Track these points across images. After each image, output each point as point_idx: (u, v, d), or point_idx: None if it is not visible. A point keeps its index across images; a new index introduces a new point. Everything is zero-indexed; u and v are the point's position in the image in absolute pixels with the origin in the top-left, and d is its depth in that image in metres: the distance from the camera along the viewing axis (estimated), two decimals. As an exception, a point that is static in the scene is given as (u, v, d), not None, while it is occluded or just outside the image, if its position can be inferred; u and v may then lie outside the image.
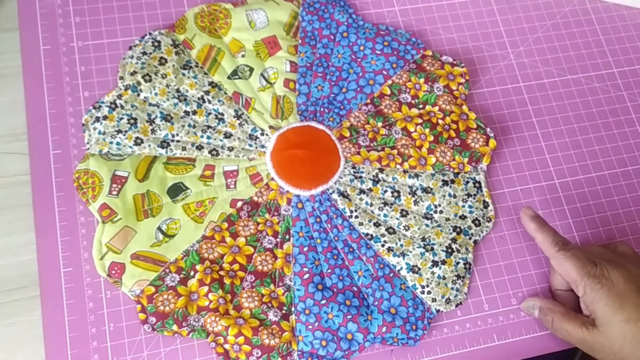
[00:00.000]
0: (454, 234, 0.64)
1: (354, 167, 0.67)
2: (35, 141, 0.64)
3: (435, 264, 0.63)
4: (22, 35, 0.67)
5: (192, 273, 0.60)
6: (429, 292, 0.62)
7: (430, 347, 0.62)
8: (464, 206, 0.66)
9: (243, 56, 0.69)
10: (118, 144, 0.63)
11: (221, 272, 0.61)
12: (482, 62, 0.74)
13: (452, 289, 0.63)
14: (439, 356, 0.62)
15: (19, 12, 0.68)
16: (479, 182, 0.67)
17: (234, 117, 0.66)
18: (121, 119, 0.64)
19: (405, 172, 0.67)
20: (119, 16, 0.70)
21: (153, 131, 0.64)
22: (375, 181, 0.66)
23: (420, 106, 0.70)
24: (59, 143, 0.64)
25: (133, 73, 0.65)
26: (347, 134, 0.68)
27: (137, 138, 0.63)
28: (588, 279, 0.57)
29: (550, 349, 0.64)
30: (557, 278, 0.63)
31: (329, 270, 0.62)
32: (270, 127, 0.67)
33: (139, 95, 0.65)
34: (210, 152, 0.65)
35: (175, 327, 0.58)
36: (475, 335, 0.63)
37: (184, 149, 0.64)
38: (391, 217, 0.65)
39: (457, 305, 0.63)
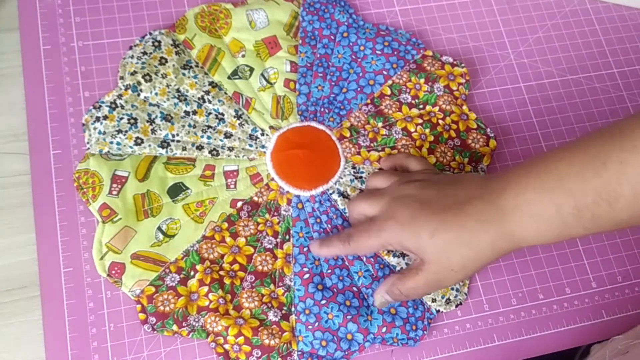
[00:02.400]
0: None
1: (354, 168, 0.66)
2: (36, 141, 0.64)
3: (435, 264, 0.63)
4: (23, 35, 0.67)
5: (192, 273, 0.60)
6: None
7: (430, 348, 0.62)
8: (464, 206, 0.66)
9: (243, 56, 0.69)
10: (118, 143, 0.63)
11: (221, 272, 0.61)
12: (482, 63, 0.74)
13: (452, 289, 0.63)
14: (439, 356, 0.62)
15: (19, 12, 0.68)
16: (479, 183, 0.67)
17: (234, 117, 0.66)
18: (121, 118, 0.64)
19: (405, 172, 0.67)
20: (119, 16, 0.70)
21: (153, 131, 0.64)
22: (376, 181, 0.66)
23: (421, 106, 0.70)
24: (59, 143, 0.64)
25: (133, 73, 0.65)
26: (348, 134, 0.68)
27: (137, 138, 0.63)
28: (382, 240, 0.57)
29: (550, 349, 0.64)
30: None
31: (329, 271, 0.62)
32: (271, 127, 0.67)
33: (139, 95, 0.65)
34: (210, 152, 0.65)
35: (175, 327, 0.58)
36: (476, 335, 0.63)
37: (184, 149, 0.64)
38: (391, 217, 0.65)
39: (457, 306, 0.63)
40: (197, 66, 0.68)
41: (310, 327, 0.60)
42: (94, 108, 0.64)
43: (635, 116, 0.50)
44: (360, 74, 0.70)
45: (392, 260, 0.63)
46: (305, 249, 0.63)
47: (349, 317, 0.60)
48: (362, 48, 0.71)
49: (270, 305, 0.60)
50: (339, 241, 0.60)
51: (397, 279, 0.58)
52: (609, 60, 0.77)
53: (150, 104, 0.65)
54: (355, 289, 0.62)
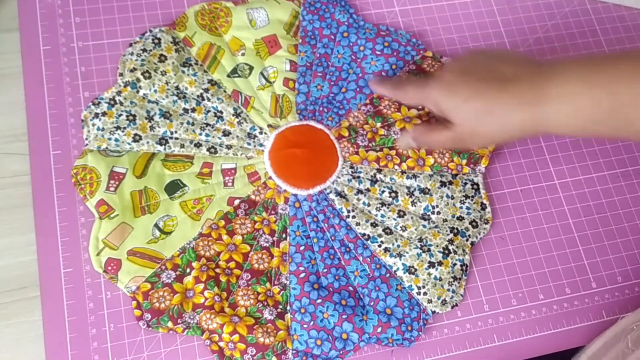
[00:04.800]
0: (451, 235, 0.64)
1: (352, 167, 0.66)
2: (36, 141, 0.64)
3: (431, 265, 0.62)
4: (23, 36, 0.68)
5: (188, 270, 0.60)
6: (425, 293, 0.62)
7: (430, 348, 0.62)
8: (461, 207, 0.66)
9: (243, 55, 0.69)
10: (116, 140, 0.63)
11: (217, 270, 0.61)
12: (483, 63, 0.74)
13: (448, 290, 0.63)
14: (439, 356, 0.62)
15: (19, 13, 0.68)
16: (477, 184, 0.67)
17: (233, 115, 0.67)
18: (120, 115, 0.64)
19: (403, 172, 0.66)
20: (119, 16, 0.70)
21: (152, 128, 0.64)
22: (373, 181, 0.66)
23: (420, 107, 0.69)
24: (59, 143, 0.64)
25: (133, 70, 0.66)
26: (346, 134, 0.68)
27: (135, 135, 0.64)
28: (423, 94, 0.61)
29: (550, 349, 0.64)
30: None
31: (325, 270, 0.62)
32: (269, 125, 0.67)
33: (138, 92, 0.65)
34: (208, 149, 0.65)
35: (170, 324, 0.58)
36: (476, 335, 0.63)
37: (182, 146, 0.64)
38: (388, 218, 0.65)
39: (452, 307, 0.63)
40: (196, 64, 0.68)
41: (305, 325, 0.60)
42: (93, 104, 0.65)
43: None
44: (360, 74, 0.70)
45: (388, 260, 0.63)
46: (301, 248, 0.63)
47: (344, 316, 0.60)
48: (362, 48, 0.71)
49: (265, 303, 0.60)
50: (391, 85, 0.65)
51: (426, 130, 0.63)
52: (610, 61, 0.76)
53: (149, 101, 0.65)
54: (351, 288, 0.62)
